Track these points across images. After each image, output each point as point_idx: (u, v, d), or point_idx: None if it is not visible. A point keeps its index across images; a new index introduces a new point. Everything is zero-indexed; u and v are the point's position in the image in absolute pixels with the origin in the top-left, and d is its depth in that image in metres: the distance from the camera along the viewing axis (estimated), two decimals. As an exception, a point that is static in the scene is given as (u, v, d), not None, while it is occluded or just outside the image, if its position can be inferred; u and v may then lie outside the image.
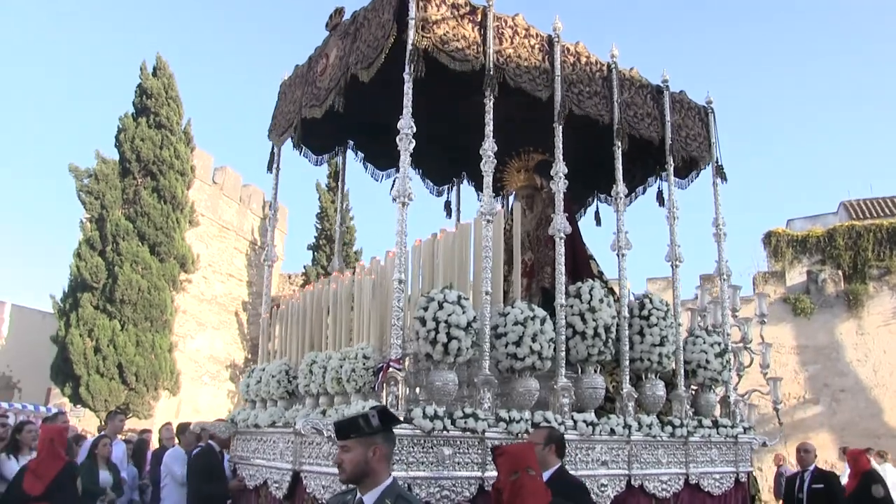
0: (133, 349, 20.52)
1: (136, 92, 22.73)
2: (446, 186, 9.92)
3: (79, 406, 20.49)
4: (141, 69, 22.88)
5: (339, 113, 7.15)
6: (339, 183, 8.94)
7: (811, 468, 8.66)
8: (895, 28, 59.38)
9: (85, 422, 20.21)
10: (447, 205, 9.88)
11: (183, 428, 10.01)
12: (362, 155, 9.14)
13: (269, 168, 8.28)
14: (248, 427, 7.34)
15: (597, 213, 9.63)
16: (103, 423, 13.42)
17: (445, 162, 9.49)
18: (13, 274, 52.61)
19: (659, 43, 68.51)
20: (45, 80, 61.64)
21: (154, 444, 13.32)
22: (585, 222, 9.70)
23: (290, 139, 8.21)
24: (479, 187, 8.79)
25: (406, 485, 5.22)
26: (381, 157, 8.98)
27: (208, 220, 26.18)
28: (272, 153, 8.32)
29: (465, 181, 9.88)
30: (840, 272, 21.31)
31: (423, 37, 6.29)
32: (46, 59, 60.83)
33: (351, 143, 8.98)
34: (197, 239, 24.65)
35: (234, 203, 28.15)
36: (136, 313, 20.82)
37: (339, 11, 7.51)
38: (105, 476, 8.99)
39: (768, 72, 65.14)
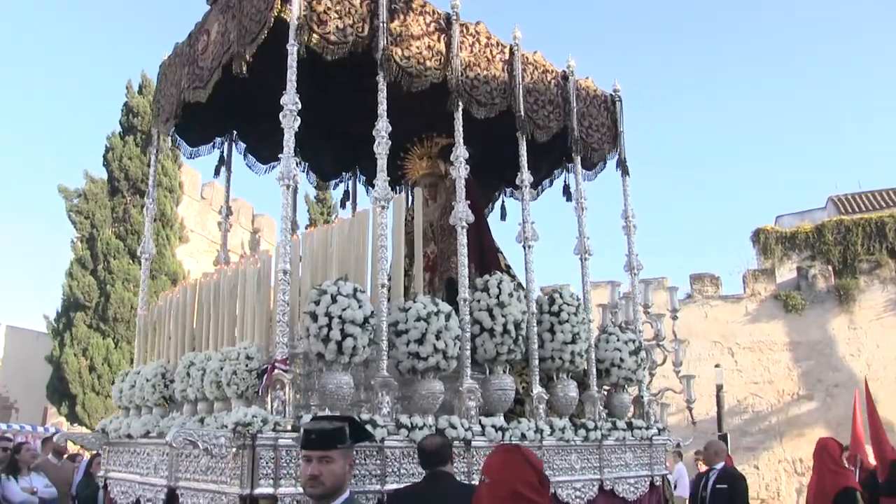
0: (127, 366, 20.01)
1: (122, 110, 22.45)
2: (334, 181, 9.35)
3: (76, 425, 20.23)
4: (127, 88, 22.58)
5: (223, 97, 6.57)
6: (227, 172, 8.20)
7: (718, 467, 8.38)
8: (880, 23, 60.42)
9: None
10: (345, 194, 9.30)
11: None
12: (244, 146, 8.43)
13: (144, 150, 7.61)
14: (120, 437, 6.59)
15: (503, 207, 9.20)
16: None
17: (335, 153, 8.98)
18: (7, 295, 52.79)
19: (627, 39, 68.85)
20: (32, 103, 62.29)
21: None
22: (496, 218, 9.28)
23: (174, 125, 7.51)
24: (372, 181, 8.21)
25: (296, 501, 4.63)
26: (265, 148, 8.28)
27: (198, 235, 26.01)
28: (147, 139, 7.62)
29: (357, 176, 9.32)
30: (830, 267, 21.19)
31: (305, 14, 5.71)
32: (32, 81, 60.96)
33: (235, 132, 8.26)
34: (187, 255, 24.44)
35: (216, 216, 27.30)
36: (129, 331, 20.48)
37: None
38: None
39: (754, 68, 65.85)
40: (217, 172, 8.19)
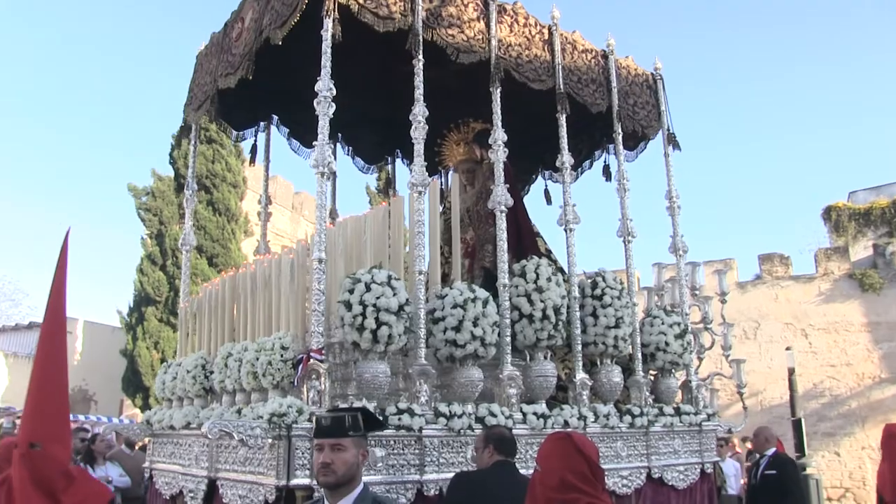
0: (195, 359, 21.19)
1: (185, 109, 22.54)
2: (377, 165, 9.27)
3: (149, 415, 21.00)
4: (190, 86, 22.95)
5: (260, 83, 6.60)
6: (266, 161, 8.19)
7: (769, 453, 8.14)
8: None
9: (157, 431, 20.89)
10: (387, 181, 9.23)
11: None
12: (287, 130, 8.41)
13: (178, 143, 7.62)
14: (164, 429, 6.62)
15: (546, 191, 9.03)
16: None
17: (376, 138, 8.88)
18: (84, 292, 55.04)
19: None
20: (101, 106, 64.55)
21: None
22: (536, 203, 9.14)
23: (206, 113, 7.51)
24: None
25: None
26: (308, 132, 8.21)
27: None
28: (184, 127, 7.66)
29: (399, 159, 9.23)
30: (910, 244, 19.86)
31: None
32: (98, 85, 63.08)
33: (275, 117, 8.26)
34: (252, 249, 24.62)
35: (286, 211, 28.11)
36: (198, 324, 21.39)
37: None
38: None
39: (825, 40, 62.93)
40: (252, 161, 8.21)
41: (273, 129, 8.32)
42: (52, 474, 3.38)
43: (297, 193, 29.16)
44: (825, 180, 58.71)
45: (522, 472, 5.25)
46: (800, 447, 12.53)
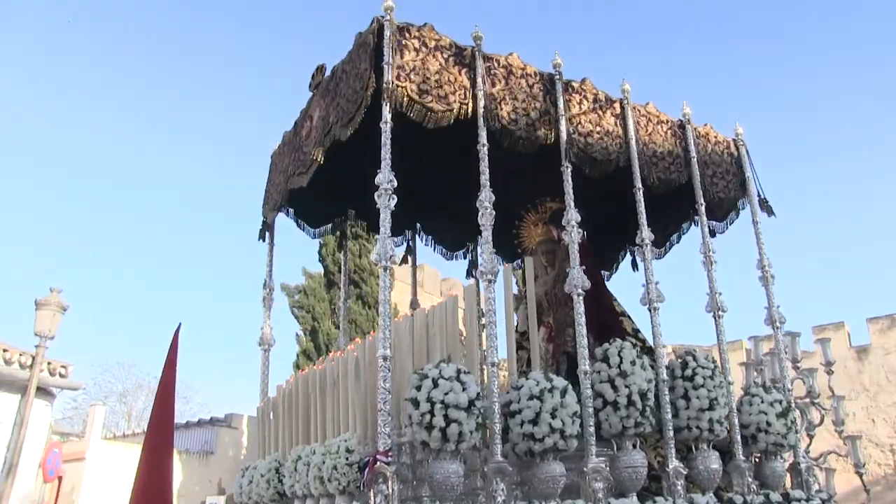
0: (353, 455, 22.04)
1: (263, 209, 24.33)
2: (461, 251, 9.12)
3: (309, 509, 21.86)
4: (334, 185, 24.40)
5: (334, 178, 6.56)
6: (343, 254, 8.21)
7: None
8: None
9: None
10: (471, 264, 9.06)
11: None
12: (366, 223, 8.43)
13: (262, 237, 7.66)
14: (242, 534, 6.50)
15: (633, 261, 8.67)
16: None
17: (455, 224, 8.71)
18: (248, 388, 60.05)
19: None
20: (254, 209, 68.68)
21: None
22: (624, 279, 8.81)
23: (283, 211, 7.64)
24: (498, 251, 7.93)
25: None
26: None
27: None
28: (263, 228, 7.68)
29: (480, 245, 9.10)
30: None
31: (400, 84, 5.63)
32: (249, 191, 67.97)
33: (352, 212, 8.29)
34: None
35: (435, 297, 28.60)
36: (353, 419, 22.33)
37: (320, 69, 6.91)
38: None
39: None
40: (340, 248, 8.26)
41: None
42: None
43: (445, 280, 29.38)
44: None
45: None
46: None
